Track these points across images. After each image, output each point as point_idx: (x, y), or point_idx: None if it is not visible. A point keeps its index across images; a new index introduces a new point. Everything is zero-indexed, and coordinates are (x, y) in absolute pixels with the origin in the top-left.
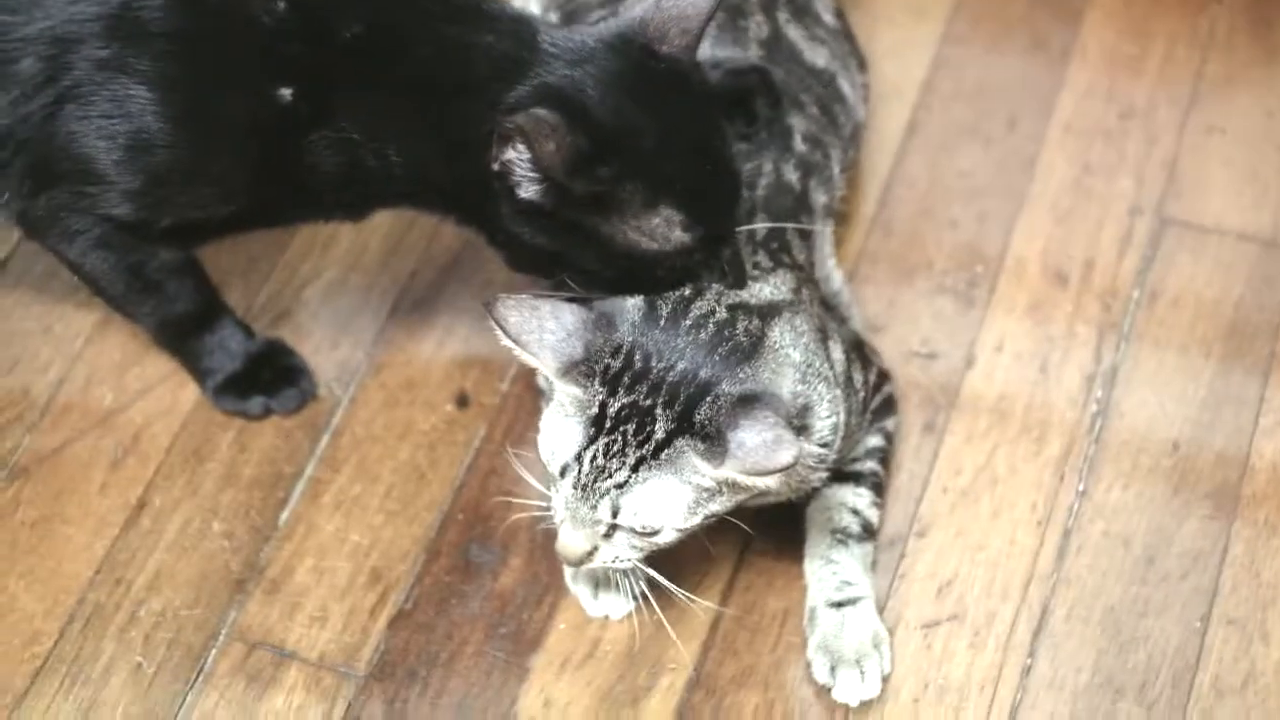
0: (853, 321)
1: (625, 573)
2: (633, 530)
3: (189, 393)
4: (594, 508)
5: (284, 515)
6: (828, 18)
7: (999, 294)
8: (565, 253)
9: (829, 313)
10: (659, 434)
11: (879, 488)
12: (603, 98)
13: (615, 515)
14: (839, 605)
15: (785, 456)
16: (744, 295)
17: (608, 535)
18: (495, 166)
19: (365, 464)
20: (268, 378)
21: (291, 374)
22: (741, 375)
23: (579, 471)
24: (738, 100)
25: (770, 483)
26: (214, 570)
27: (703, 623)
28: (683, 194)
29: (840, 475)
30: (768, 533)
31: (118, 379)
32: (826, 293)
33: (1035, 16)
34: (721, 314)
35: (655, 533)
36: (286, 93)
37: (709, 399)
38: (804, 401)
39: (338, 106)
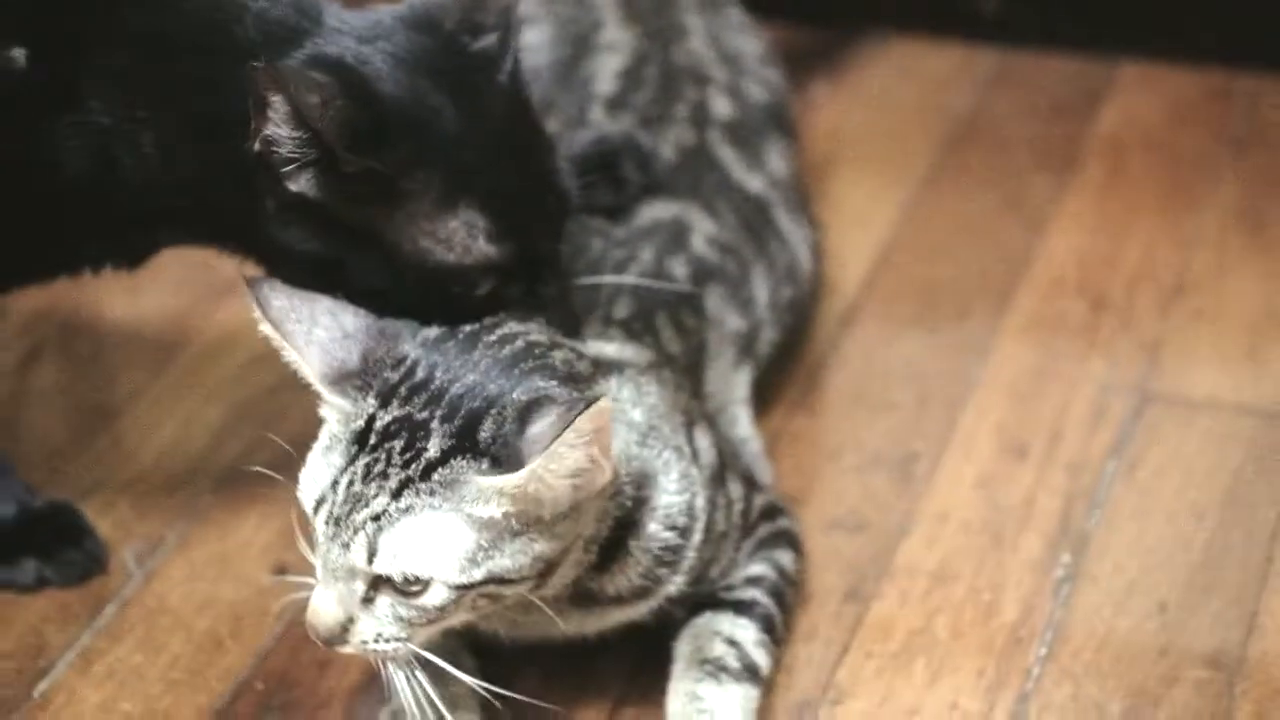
0: (758, 474)
1: (405, 675)
2: (394, 587)
3: None
4: (346, 547)
5: (42, 686)
6: (775, 163)
7: (943, 468)
8: (344, 263)
9: (727, 460)
10: (431, 451)
11: (770, 626)
12: (392, 74)
13: (372, 559)
14: None
15: (585, 423)
16: (578, 346)
17: (368, 600)
18: (256, 147)
19: (152, 634)
20: (45, 538)
21: (75, 535)
22: (539, 385)
23: (332, 503)
24: (602, 165)
25: (594, 484)
26: None
27: None
28: (489, 197)
29: (715, 603)
30: (642, 693)
31: None
32: (729, 436)
33: (995, 224)
34: (539, 338)
35: (423, 588)
36: (19, 54)
37: (493, 413)
38: (642, 467)
39: (84, 77)
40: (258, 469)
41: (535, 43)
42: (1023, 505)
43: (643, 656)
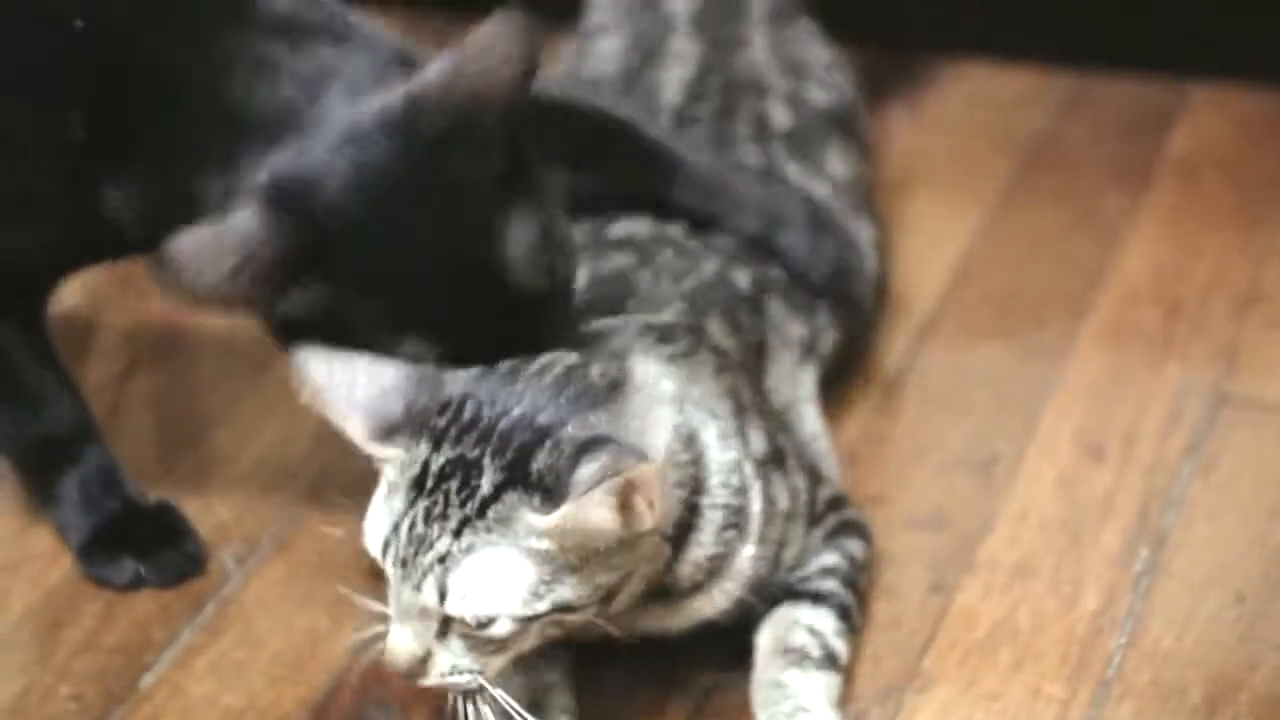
0: (825, 472)
1: (478, 704)
2: (465, 623)
3: (62, 567)
4: (418, 589)
5: (146, 679)
6: (834, 165)
7: (1023, 469)
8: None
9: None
10: (485, 488)
11: (847, 614)
12: (349, 193)
13: (443, 599)
14: None
15: (622, 482)
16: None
17: (442, 635)
18: None
19: (252, 631)
20: (144, 538)
21: (175, 537)
22: (592, 421)
23: (397, 546)
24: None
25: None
26: None
27: None
28: (434, 321)
29: (793, 594)
30: (734, 679)
31: None
32: (797, 433)
33: (1070, 242)
34: (572, 360)
35: (489, 623)
36: (77, 117)
37: (548, 445)
38: (688, 431)
39: (131, 151)
40: (341, 500)
41: (607, 51)
42: (1101, 504)
43: (730, 654)
